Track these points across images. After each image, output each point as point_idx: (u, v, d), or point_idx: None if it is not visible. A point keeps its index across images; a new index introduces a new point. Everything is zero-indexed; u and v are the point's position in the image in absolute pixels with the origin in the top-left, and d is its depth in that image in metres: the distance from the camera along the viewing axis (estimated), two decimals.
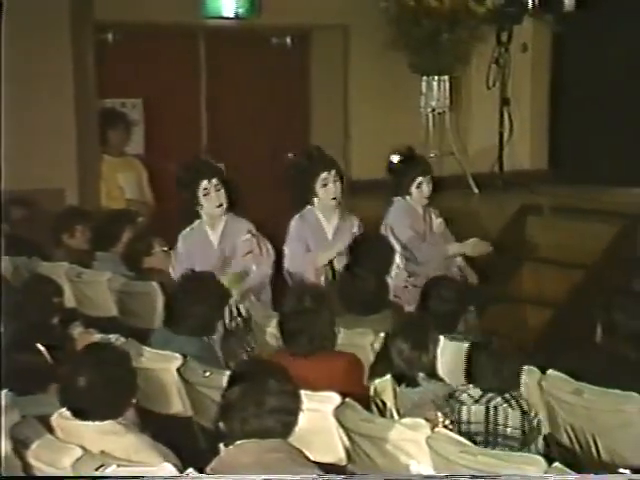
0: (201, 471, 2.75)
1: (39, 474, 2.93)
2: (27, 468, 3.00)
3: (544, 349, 5.41)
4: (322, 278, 4.74)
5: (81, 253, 5.32)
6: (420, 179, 5.08)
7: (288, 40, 7.37)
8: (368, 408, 3.37)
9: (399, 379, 3.46)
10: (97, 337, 4.06)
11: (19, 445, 3.00)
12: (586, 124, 7.47)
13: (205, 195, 4.65)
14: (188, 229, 4.78)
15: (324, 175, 4.79)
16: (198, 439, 3.73)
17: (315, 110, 7.44)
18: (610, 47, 7.29)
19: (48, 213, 5.60)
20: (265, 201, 7.19)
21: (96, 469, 2.74)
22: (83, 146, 6.29)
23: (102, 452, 2.85)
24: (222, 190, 4.67)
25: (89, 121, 6.29)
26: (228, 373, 3.14)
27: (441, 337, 3.65)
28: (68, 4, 6.10)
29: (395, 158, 5.23)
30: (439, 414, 3.16)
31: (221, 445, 2.77)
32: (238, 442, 2.72)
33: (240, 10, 6.85)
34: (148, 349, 3.89)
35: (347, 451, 3.35)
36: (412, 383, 3.43)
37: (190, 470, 2.73)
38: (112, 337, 4.03)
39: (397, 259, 4.91)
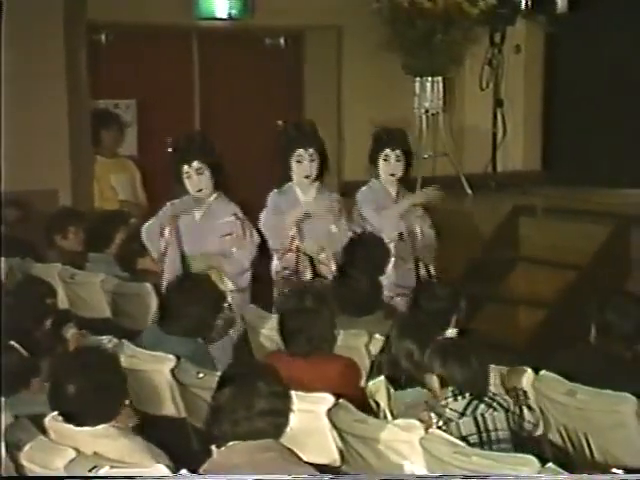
0: (194, 472, 2.74)
1: (31, 475, 2.92)
2: (20, 470, 2.99)
3: (537, 349, 5.42)
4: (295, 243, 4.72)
5: (74, 254, 5.31)
6: (387, 151, 5.03)
7: (281, 41, 7.37)
8: (365, 410, 3.37)
9: (392, 380, 3.46)
10: (90, 339, 4.06)
11: (12, 447, 3.00)
12: (580, 125, 7.49)
13: (187, 178, 4.63)
14: (177, 200, 4.76)
15: (300, 152, 4.79)
16: (191, 440, 3.72)
17: (309, 111, 7.44)
18: (603, 48, 7.30)
19: (41, 214, 5.59)
20: (261, 200, 7.19)
21: (89, 470, 2.74)
22: (76, 147, 6.28)
23: (95, 453, 2.85)
24: (205, 174, 4.62)
25: (82, 122, 6.28)
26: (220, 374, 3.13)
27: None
28: (62, 4, 6.09)
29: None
30: (432, 415, 3.16)
31: (213, 447, 2.77)
32: (229, 443, 2.72)
33: (233, 11, 6.85)
34: (141, 350, 3.88)
35: (341, 452, 3.34)
36: (406, 384, 3.43)
37: (183, 471, 2.73)
38: (105, 339, 4.02)
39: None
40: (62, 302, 4.75)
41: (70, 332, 4.11)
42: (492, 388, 3.32)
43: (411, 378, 3.40)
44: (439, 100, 7.15)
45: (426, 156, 7.21)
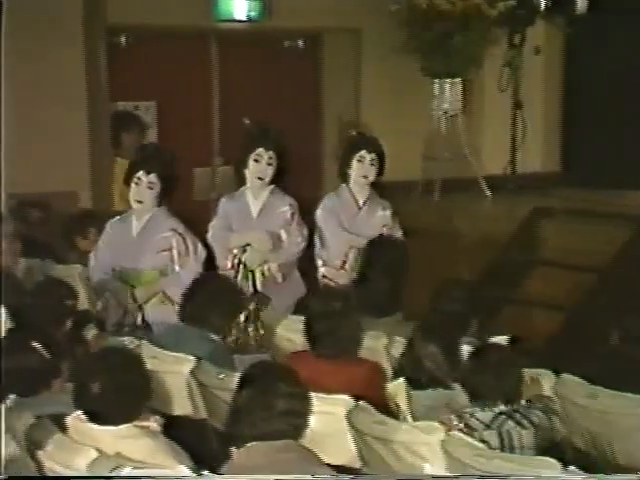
0: (216, 473, 2.74)
1: (53, 475, 2.94)
2: (41, 469, 3.00)
3: (556, 353, 5.39)
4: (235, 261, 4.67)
5: None
6: (363, 152, 4.97)
7: (300, 43, 7.37)
8: (385, 412, 3.36)
9: (413, 382, 3.45)
10: (110, 340, 4.07)
11: (33, 447, 3.01)
12: (599, 126, 7.44)
13: (136, 184, 4.54)
14: (117, 217, 4.73)
15: (260, 151, 4.74)
16: (212, 441, 3.73)
17: (327, 113, 7.44)
18: (623, 49, 7.26)
19: (62, 216, 5.61)
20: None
21: (111, 471, 2.75)
22: (96, 149, 6.31)
23: (117, 454, 2.85)
24: (155, 189, 4.51)
25: (102, 124, 6.31)
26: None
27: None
28: (81, 8, 6.12)
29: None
30: (453, 417, 3.14)
31: (233, 448, 2.77)
32: (249, 444, 2.72)
33: (252, 13, 6.86)
34: (161, 351, 3.89)
35: (360, 454, 3.34)
36: (427, 385, 3.41)
37: (205, 472, 2.73)
38: (126, 340, 4.04)
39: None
40: (82, 303, 4.77)
41: (91, 333, 4.13)
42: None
43: (433, 380, 3.39)
44: (458, 102, 7.13)
45: (445, 158, 7.20)
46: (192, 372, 3.76)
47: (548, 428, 3.16)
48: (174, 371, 3.77)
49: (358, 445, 3.33)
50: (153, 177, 4.52)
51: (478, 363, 3.22)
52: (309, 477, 2.65)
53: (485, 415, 3.12)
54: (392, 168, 7.16)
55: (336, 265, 4.87)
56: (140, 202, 4.54)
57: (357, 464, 3.35)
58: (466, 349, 3.52)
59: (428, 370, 3.43)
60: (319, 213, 5.03)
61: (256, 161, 4.74)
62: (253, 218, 4.81)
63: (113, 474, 2.70)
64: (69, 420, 2.96)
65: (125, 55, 6.60)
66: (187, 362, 3.77)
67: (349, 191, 5.02)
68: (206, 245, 4.75)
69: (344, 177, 5.03)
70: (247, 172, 4.79)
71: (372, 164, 4.96)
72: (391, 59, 6.99)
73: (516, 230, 6.54)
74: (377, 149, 5.02)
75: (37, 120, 5.97)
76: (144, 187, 4.52)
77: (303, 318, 3.87)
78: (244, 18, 6.87)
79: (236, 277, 4.61)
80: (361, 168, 4.96)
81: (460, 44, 6.81)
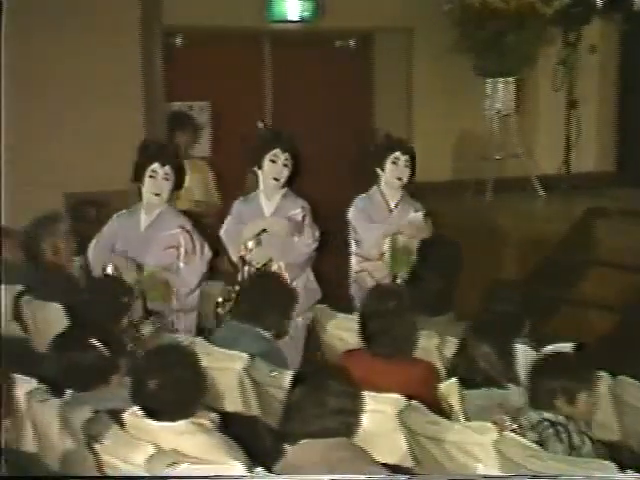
0: (269, 470, 2.76)
1: (113, 471, 2.97)
2: (100, 463, 3.05)
3: (611, 353, 5.31)
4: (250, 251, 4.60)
5: None
6: (397, 154, 4.90)
7: (352, 43, 7.36)
8: (437, 412, 3.34)
9: (467, 381, 3.43)
10: (166, 336, 4.12)
11: (91, 441, 3.05)
12: None
13: (151, 177, 4.49)
14: (124, 211, 4.67)
15: (276, 152, 4.70)
16: (264, 438, 3.75)
17: (379, 113, 7.43)
18: None
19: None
20: (331, 203, 7.19)
21: (168, 466, 2.78)
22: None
23: (173, 450, 2.88)
24: (169, 181, 4.48)
25: (157, 124, 6.37)
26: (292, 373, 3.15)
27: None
28: (139, 9, 6.19)
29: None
30: (506, 417, 3.12)
31: (286, 445, 2.78)
32: (302, 441, 2.73)
33: (305, 14, 6.88)
34: (215, 348, 3.92)
35: (412, 453, 3.33)
36: (480, 386, 3.39)
37: (259, 469, 2.75)
38: (181, 336, 4.08)
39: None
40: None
41: (146, 330, 4.17)
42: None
43: (488, 379, 3.37)
44: (511, 101, 7.06)
45: (497, 157, 7.14)
46: (245, 369, 3.79)
47: (580, 453, 3.10)
48: (227, 368, 3.79)
49: (410, 444, 3.32)
50: (168, 169, 4.49)
51: (542, 370, 3.19)
52: (363, 477, 2.64)
53: (533, 417, 3.12)
54: (443, 168, 7.17)
55: (373, 256, 4.84)
56: (157, 194, 4.49)
57: (408, 463, 3.34)
58: (521, 350, 3.49)
59: (482, 370, 3.40)
60: (351, 212, 5.01)
61: (272, 162, 4.71)
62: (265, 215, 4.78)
63: (170, 470, 2.72)
64: (126, 416, 3.00)
65: (180, 56, 6.66)
66: (240, 359, 3.80)
67: (380, 193, 4.99)
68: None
69: (375, 178, 4.99)
70: (261, 173, 4.74)
71: (406, 166, 4.91)
72: (443, 58, 6.95)
73: (569, 230, 6.47)
74: (410, 150, 4.99)
75: (94, 119, 6.06)
76: (160, 179, 4.47)
77: (356, 316, 3.88)
78: (297, 18, 6.89)
79: (242, 275, 4.56)
80: (395, 170, 4.91)
81: (514, 43, 6.74)
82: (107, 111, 6.05)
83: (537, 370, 3.21)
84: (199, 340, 4.00)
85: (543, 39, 6.94)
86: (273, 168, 4.71)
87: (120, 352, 3.38)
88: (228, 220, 4.85)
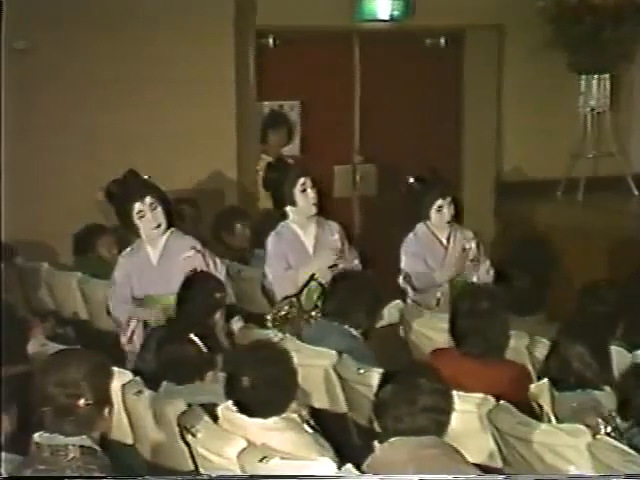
0: (358, 467, 2.76)
1: (207, 462, 3.03)
2: (193, 455, 3.10)
3: None
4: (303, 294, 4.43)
5: (240, 250, 5.46)
6: (440, 202, 4.71)
7: (442, 41, 7.30)
8: (526, 412, 3.29)
9: (559, 382, 3.36)
10: (256, 332, 4.16)
11: (185, 433, 3.11)
12: None
13: (140, 218, 4.26)
14: (128, 249, 4.44)
15: (302, 180, 4.53)
16: (352, 435, 3.75)
17: (468, 111, 7.35)
18: None
19: (210, 212, 5.78)
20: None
21: (259, 460, 2.81)
22: (243, 148, 6.45)
23: (263, 444, 2.91)
24: (159, 208, 4.27)
25: (249, 123, 6.44)
26: (381, 371, 3.15)
27: None
28: (233, 11, 6.28)
29: (411, 179, 4.84)
30: (600, 420, 3.05)
31: (375, 442, 2.78)
32: (392, 439, 2.72)
33: (395, 12, 6.84)
34: (305, 345, 3.94)
35: (501, 453, 3.29)
36: (575, 387, 3.32)
37: (348, 466, 2.75)
38: (270, 332, 4.12)
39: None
40: (229, 297, 4.88)
41: (237, 326, 4.23)
42: None
43: (583, 381, 3.30)
44: (606, 98, 6.88)
45: (590, 156, 6.98)
46: (333, 366, 3.80)
47: None
48: (316, 365, 3.81)
49: (498, 445, 3.28)
50: (149, 199, 4.27)
51: (632, 378, 3.11)
52: (450, 477, 2.62)
53: (623, 424, 3.06)
54: (537, 167, 7.03)
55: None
56: (158, 226, 4.29)
57: (496, 463, 3.30)
58: (615, 352, 3.41)
59: (577, 371, 3.33)
60: (405, 260, 4.76)
61: (303, 191, 4.52)
62: (309, 253, 4.57)
63: (262, 464, 2.74)
64: (220, 410, 3.05)
65: (272, 55, 6.72)
66: (329, 356, 3.81)
67: (429, 231, 4.77)
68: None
69: (422, 219, 4.76)
70: (291, 209, 4.55)
71: (449, 208, 4.69)
72: (535, 56, 6.83)
73: None
74: (447, 192, 4.73)
75: (188, 119, 6.16)
76: (149, 212, 4.26)
77: (447, 316, 3.85)
78: (387, 17, 6.86)
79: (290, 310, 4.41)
80: (440, 217, 4.71)
81: (611, 38, 6.56)
82: (201, 111, 6.15)
83: (630, 376, 3.12)
84: (289, 337, 4.03)
85: None
86: (307, 197, 4.53)
87: (217, 348, 3.44)
88: (271, 262, 4.56)
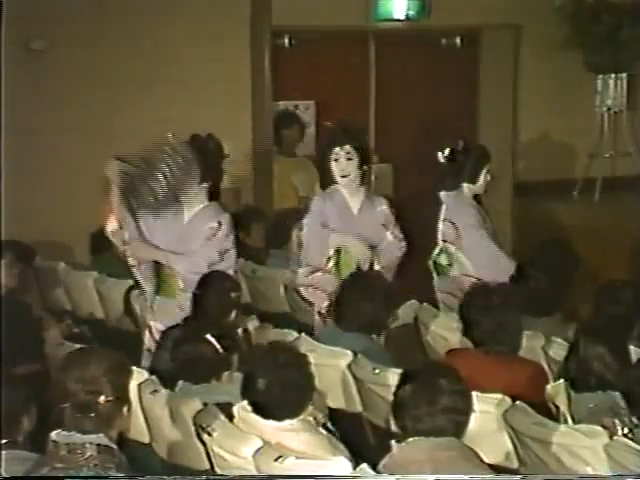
0: (374, 467, 2.76)
1: (222, 461, 3.03)
2: (209, 454, 3.11)
3: None
4: (330, 264, 4.50)
5: (256, 250, 5.46)
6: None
7: (457, 40, 7.28)
8: (543, 413, 3.28)
9: (578, 383, 3.35)
10: (272, 332, 4.16)
11: (201, 432, 3.12)
12: None
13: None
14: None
15: (336, 150, 4.55)
16: (367, 435, 3.75)
17: (484, 110, 7.33)
18: None
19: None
20: (432, 200, 7.14)
21: (274, 460, 2.81)
22: (258, 147, 6.46)
23: (279, 444, 2.91)
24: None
25: (265, 123, 6.45)
26: (398, 371, 3.14)
27: None
28: (249, 11, 6.29)
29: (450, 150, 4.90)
30: (617, 422, 3.03)
31: (393, 442, 2.77)
32: (410, 439, 2.71)
33: (411, 12, 6.83)
34: (320, 345, 3.94)
35: (517, 454, 3.27)
36: (595, 387, 3.30)
37: (364, 465, 2.75)
38: (286, 332, 4.11)
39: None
40: (244, 296, 4.89)
41: (252, 325, 4.23)
42: None
43: (603, 382, 3.27)
44: (622, 97, 6.85)
45: (607, 155, 6.95)
46: (348, 366, 3.79)
47: None
48: (331, 365, 3.81)
49: (515, 445, 3.27)
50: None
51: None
52: (467, 477, 2.61)
53: (634, 420, 3.05)
54: (553, 166, 6.99)
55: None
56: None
57: (512, 464, 3.29)
58: (634, 352, 3.39)
59: (596, 372, 3.31)
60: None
61: (336, 160, 4.56)
62: (354, 215, 4.63)
63: (277, 464, 2.74)
64: (236, 409, 3.05)
65: (287, 56, 6.72)
66: (344, 356, 3.81)
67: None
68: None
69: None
70: (333, 174, 4.60)
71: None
72: (550, 55, 6.81)
73: None
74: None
75: (204, 118, 6.17)
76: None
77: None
78: (403, 17, 6.85)
79: (326, 284, 4.47)
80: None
81: (629, 38, 6.53)
82: (217, 110, 6.16)
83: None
84: (304, 337, 4.03)
85: None
86: (338, 167, 4.57)
87: (233, 348, 3.44)
88: (309, 219, 4.62)
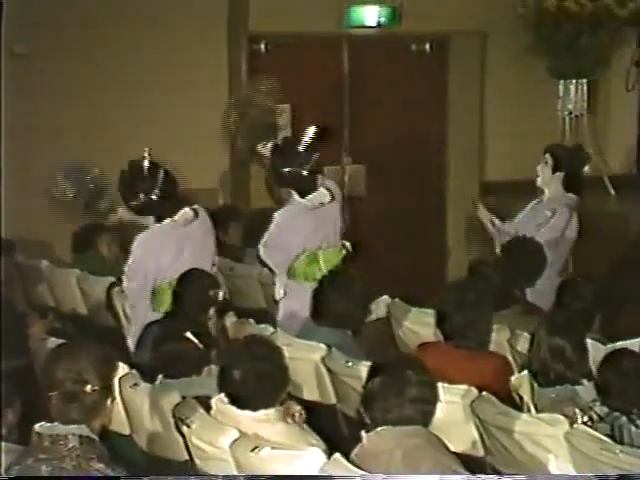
0: (347, 457, 2.77)
1: (201, 452, 3.03)
2: (188, 445, 3.11)
3: None
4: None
5: (234, 248, 5.46)
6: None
7: (427, 46, 7.32)
8: (508, 404, 3.31)
9: (538, 377, 3.38)
10: (249, 327, 4.16)
11: (180, 424, 3.12)
12: None
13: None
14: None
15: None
16: (341, 426, 3.76)
17: (452, 113, 7.37)
18: None
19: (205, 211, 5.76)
20: (404, 200, 7.18)
21: (251, 450, 2.82)
22: (236, 149, 6.45)
23: (255, 435, 2.92)
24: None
25: None
26: (369, 364, 3.16)
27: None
28: (226, 17, 6.29)
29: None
30: (577, 410, 3.07)
31: (363, 432, 2.79)
32: (378, 429, 2.74)
33: (382, 19, 6.86)
34: (295, 339, 3.95)
35: (483, 443, 3.30)
36: (555, 382, 3.33)
37: (337, 455, 2.77)
38: (262, 327, 4.12)
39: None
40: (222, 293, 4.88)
41: (230, 321, 4.23)
42: None
43: (562, 376, 3.31)
44: (583, 102, 6.93)
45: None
46: (322, 359, 3.81)
47: None
48: (306, 358, 3.82)
49: (481, 434, 3.30)
50: None
51: (612, 366, 3.14)
52: (465, 476, 2.63)
53: (602, 409, 3.08)
54: (518, 167, 7.04)
55: None
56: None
57: (478, 452, 3.32)
58: (591, 345, 3.43)
59: (556, 366, 3.35)
60: None
61: None
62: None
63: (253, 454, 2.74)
64: (213, 401, 3.05)
65: (263, 60, 6.72)
66: (319, 350, 3.82)
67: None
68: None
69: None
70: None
71: None
72: (516, 61, 6.87)
73: None
74: None
75: (183, 121, 6.17)
76: None
77: (432, 311, 3.86)
78: (374, 24, 6.88)
79: None
80: None
81: (588, 45, 6.61)
82: (196, 113, 6.15)
83: (606, 365, 3.15)
84: (280, 331, 4.03)
85: (617, 41, 6.79)
86: None
87: (212, 345, 3.44)
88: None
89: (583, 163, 5.45)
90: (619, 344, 3.51)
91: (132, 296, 4.33)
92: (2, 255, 4.72)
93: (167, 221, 4.31)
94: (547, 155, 5.03)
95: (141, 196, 4.26)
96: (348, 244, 4.74)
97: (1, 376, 3.04)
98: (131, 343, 4.18)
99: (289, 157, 4.59)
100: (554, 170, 5.11)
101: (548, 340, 3.39)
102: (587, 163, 5.39)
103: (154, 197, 4.28)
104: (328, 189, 4.63)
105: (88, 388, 2.53)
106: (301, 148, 4.59)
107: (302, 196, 4.59)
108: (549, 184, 5.14)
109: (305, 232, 4.57)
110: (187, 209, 4.34)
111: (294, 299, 4.44)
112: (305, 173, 4.56)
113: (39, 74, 5.88)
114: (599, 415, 3.07)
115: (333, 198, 4.63)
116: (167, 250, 4.28)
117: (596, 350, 3.54)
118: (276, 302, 4.65)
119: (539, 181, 5.10)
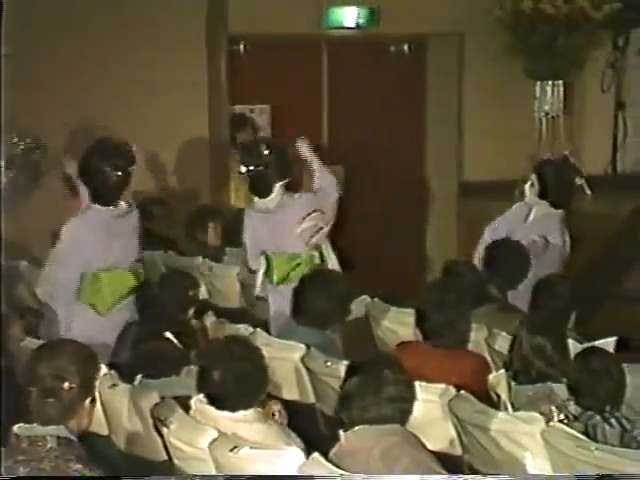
0: (326, 456, 2.77)
1: (179, 452, 3.02)
2: (167, 446, 3.09)
3: None
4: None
5: (213, 248, 5.45)
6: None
7: (405, 47, 7.34)
8: (486, 402, 3.32)
9: (519, 375, 3.39)
10: (228, 327, 4.15)
11: (159, 424, 3.11)
12: None
13: None
14: None
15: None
16: (320, 425, 3.76)
17: (431, 113, 7.40)
18: None
19: (183, 211, 5.76)
20: (383, 201, 7.19)
21: (230, 450, 2.81)
22: (215, 150, 6.45)
23: (234, 434, 2.91)
24: None
25: (221, 126, 6.44)
26: (347, 363, 3.16)
27: None
28: (205, 18, 6.27)
29: None
30: (554, 408, 3.08)
31: (341, 431, 2.79)
32: (356, 428, 2.74)
33: (361, 20, 6.88)
34: (274, 339, 3.94)
35: (461, 441, 3.31)
36: (536, 380, 3.34)
37: (315, 454, 2.76)
38: (241, 327, 4.11)
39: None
40: (201, 293, 4.87)
41: (210, 321, 4.22)
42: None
43: (543, 374, 3.32)
44: (559, 103, 6.97)
45: (545, 157, 7.05)
46: (302, 359, 3.80)
47: (635, 436, 3.04)
48: (285, 358, 3.81)
49: (458, 432, 3.31)
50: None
51: (582, 366, 3.16)
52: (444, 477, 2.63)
53: (576, 408, 3.09)
54: (495, 167, 7.08)
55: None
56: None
57: (456, 450, 3.33)
58: (571, 344, 3.45)
59: (538, 364, 3.35)
60: None
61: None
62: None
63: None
64: (192, 401, 3.04)
65: (243, 61, 6.71)
66: (298, 350, 3.82)
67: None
68: None
69: None
70: None
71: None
72: (493, 62, 6.89)
73: (617, 229, 6.36)
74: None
75: (163, 122, 6.15)
76: None
77: (412, 310, 3.86)
78: (353, 25, 6.89)
79: None
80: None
81: (564, 47, 6.66)
82: (174, 115, 6.14)
83: (576, 364, 3.16)
84: (259, 331, 4.03)
85: (593, 43, 6.84)
86: None
87: (192, 345, 3.43)
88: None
89: (571, 184, 5.42)
90: (597, 343, 3.53)
91: (52, 281, 4.16)
92: (2, 255, 4.67)
93: (104, 208, 4.16)
94: (533, 176, 5.00)
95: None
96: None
97: (1, 376, 3.02)
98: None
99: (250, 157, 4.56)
100: (541, 196, 5.07)
101: (530, 339, 3.40)
102: (575, 180, 5.35)
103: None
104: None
105: (66, 385, 2.52)
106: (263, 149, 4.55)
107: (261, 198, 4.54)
108: (538, 203, 5.12)
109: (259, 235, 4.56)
110: (123, 202, 4.20)
111: (284, 297, 4.41)
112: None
113: (23, 74, 5.84)
114: (573, 414, 3.08)
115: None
116: (95, 240, 4.12)
117: (574, 349, 3.56)
118: (258, 299, 4.65)
119: (526, 199, 5.09)
